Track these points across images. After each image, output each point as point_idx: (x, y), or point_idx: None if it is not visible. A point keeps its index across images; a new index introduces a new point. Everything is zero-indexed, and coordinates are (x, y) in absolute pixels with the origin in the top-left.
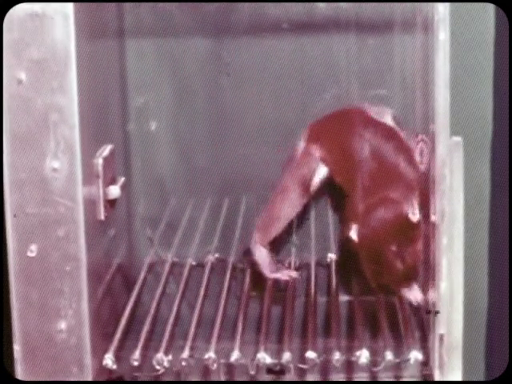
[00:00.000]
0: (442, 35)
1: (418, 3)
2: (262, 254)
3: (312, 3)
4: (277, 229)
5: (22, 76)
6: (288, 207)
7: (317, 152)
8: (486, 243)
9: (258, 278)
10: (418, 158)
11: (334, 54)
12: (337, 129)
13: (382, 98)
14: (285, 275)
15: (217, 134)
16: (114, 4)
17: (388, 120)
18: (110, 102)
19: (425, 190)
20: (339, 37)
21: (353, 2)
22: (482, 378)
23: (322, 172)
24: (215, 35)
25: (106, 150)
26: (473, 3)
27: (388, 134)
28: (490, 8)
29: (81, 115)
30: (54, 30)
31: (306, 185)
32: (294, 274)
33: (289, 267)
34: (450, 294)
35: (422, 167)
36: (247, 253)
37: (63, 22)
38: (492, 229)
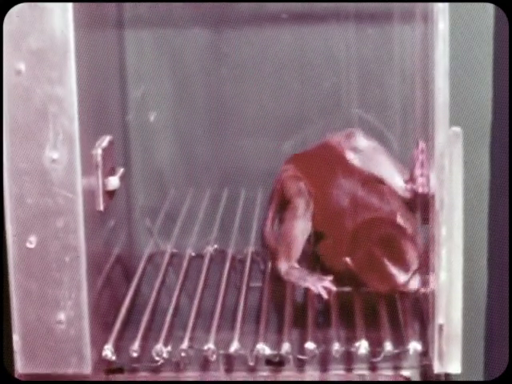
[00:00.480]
0: (442, 25)
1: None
2: (291, 274)
3: None
4: (297, 248)
5: (21, 67)
6: (299, 224)
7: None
8: (485, 233)
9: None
10: (418, 171)
11: (333, 44)
12: (314, 177)
13: (382, 90)
14: (317, 287)
15: (216, 125)
16: None
17: (360, 140)
18: (110, 92)
19: (425, 204)
20: (339, 27)
21: (353, 2)
22: (481, 378)
23: None
24: (214, 26)
25: (105, 140)
26: (473, 3)
27: (361, 177)
28: (490, 8)
29: (80, 106)
30: (52, 20)
31: (306, 197)
32: (327, 283)
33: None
34: (450, 283)
35: (423, 180)
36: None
37: (62, 12)
38: (492, 219)
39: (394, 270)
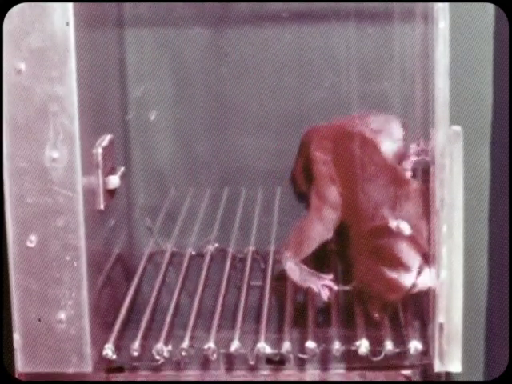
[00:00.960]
0: (442, 24)
1: None
2: (293, 271)
3: None
4: (309, 249)
5: (22, 66)
6: (321, 230)
7: (332, 172)
8: (485, 233)
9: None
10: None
11: (333, 44)
12: (343, 157)
13: (382, 88)
14: (318, 286)
15: (216, 124)
16: None
17: (395, 128)
18: (110, 91)
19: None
20: (339, 27)
21: (353, 1)
22: (481, 378)
23: None
24: (214, 25)
25: (106, 139)
26: (473, 3)
27: (382, 164)
28: (490, 8)
29: (80, 105)
30: (53, 19)
31: (335, 204)
32: (327, 282)
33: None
34: (450, 282)
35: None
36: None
37: (62, 11)
38: (492, 218)
39: (395, 275)
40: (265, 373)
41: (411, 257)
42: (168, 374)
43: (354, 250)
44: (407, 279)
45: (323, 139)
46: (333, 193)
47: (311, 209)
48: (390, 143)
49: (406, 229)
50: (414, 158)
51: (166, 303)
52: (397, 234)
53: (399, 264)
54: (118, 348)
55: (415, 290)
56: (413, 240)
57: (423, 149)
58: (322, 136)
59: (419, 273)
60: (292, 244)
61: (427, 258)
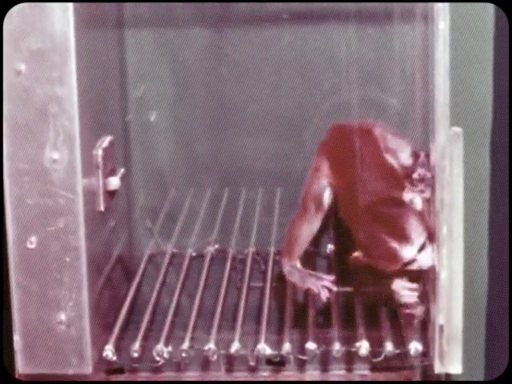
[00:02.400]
0: (442, 24)
1: None
2: (292, 274)
3: None
4: (299, 248)
5: (22, 67)
6: (305, 226)
7: (325, 167)
8: (485, 233)
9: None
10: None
11: (333, 44)
12: (343, 148)
13: (382, 89)
14: (318, 287)
15: (217, 125)
16: None
17: (404, 155)
18: (110, 92)
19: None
20: (339, 27)
21: (353, 1)
22: (481, 379)
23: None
24: (215, 25)
25: (106, 141)
26: (473, 3)
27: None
28: (490, 8)
29: (80, 106)
30: (53, 20)
31: (318, 201)
32: (327, 283)
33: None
34: (450, 283)
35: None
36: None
37: (62, 12)
38: (492, 219)
39: (397, 245)
40: (265, 374)
41: (417, 231)
42: (168, 375)
43: (357, 219)
44: (408, 251)
45: (330, 136)
46: (318, 187)
47: (297, 210)
48: (397, 166)
49: (418, 203)
50: (416, 176)
51: (166, 304)
52: (407, 206)
53: (403, 234)
54: (118, 349)
55: (415, 267)
56: (422, 216)
57: (424, 163)
58: (331, 132)
59: (422, 248)
60: (285, 247)
61: (432, 238)
